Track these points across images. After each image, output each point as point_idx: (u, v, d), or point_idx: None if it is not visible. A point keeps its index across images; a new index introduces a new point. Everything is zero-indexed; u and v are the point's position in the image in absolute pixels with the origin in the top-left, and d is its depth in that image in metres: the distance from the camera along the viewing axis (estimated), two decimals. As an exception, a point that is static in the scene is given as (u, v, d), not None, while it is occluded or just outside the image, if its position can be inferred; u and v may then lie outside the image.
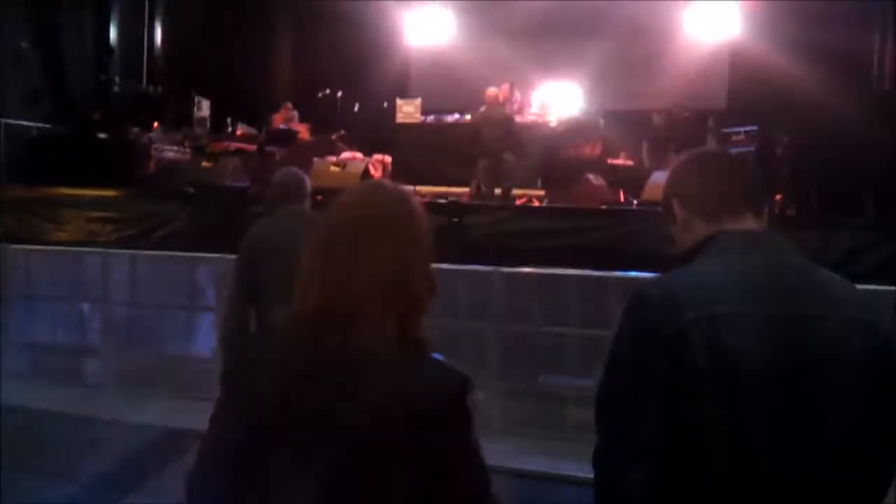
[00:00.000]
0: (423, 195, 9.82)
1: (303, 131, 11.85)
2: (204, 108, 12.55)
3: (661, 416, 1.42)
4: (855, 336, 1.47)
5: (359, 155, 10.87)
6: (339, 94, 12.53)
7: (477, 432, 1.45)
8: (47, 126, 12.27)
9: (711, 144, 10.15)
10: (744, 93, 11.85)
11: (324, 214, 1.54)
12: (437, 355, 1.46)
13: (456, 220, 7.64)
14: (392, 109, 12.05)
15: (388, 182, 1.62)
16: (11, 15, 11.80)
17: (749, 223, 1.59)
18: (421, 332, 1.46)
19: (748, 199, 1.64)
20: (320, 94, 12.56)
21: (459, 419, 1.41)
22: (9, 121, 11.55)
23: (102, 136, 11.68)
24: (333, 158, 10.63)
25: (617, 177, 10.23)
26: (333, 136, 11.60)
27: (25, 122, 11.88)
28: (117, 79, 13.80)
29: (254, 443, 1.41)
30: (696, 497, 1.44)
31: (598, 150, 10.72)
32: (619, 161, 10.76)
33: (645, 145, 10.97)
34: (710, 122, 10.88)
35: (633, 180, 10.04)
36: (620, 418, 1.48)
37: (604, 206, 8.69)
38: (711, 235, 1.58)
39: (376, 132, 12.04)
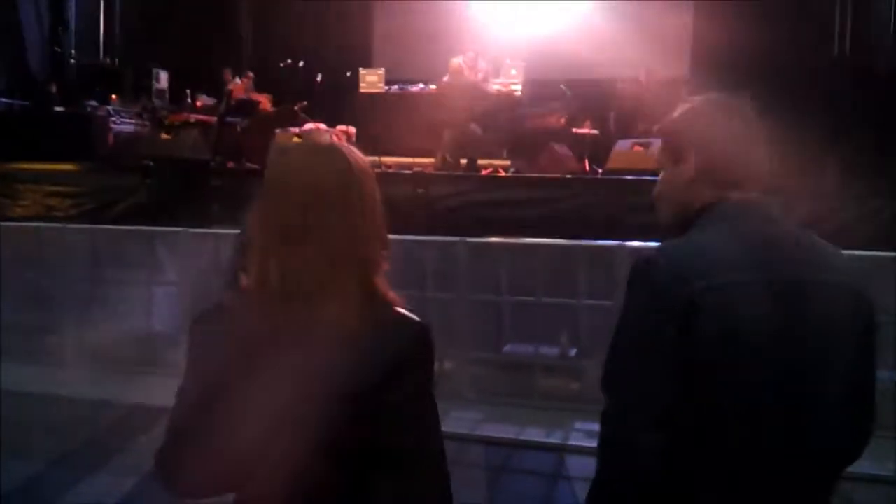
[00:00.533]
0: (389, 166, 9.78)
1: (264, 102, 11.70)
2: (162, 79, 12.34)
3: (672, 383, 1.44)
4: (844, 301, 1.52)
5: (322, 126, 10.70)
6: (301, 64, 12.36)
7: (437, 385, 1.50)
8: (2, 100, 12.01)
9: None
10: (706, 60, 11.87)
11: (267, 182, 1.50)
12: (399, 309, 1.48)
13: (422, 190, 7.61)
14: (355, 79, 11.93)
15: (325, 143, 1.59)
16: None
17: (750, 193, 1.59)
18: (381, 289, 1.47)
19: (761, 166, 1.62)
20: (282, 65, 12.38)
21: (419, 366, 1.45)
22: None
23: (59, 109, 11.46)
24: (296, 130, 10.48)
25: (582, 146, 10.24)
26: (296, 107, 11.45)
27: (-20, 97, 11.64)
28: (73, 51, 13.52)
29: (224, 417, 1.40)
30: (706, 462, 1.47)
31: (563, 120, 10.71)
32: (584, 130, 10.75)
33: (612, 114, 10.97)
34: (685, 91, 10.84)
35: (598, 149, 10.06)
36: (632, 386, 1.48)
37: (569, 176, 8.69)
38: (712, 203, 1.58)
39: (340, 102, 11.91)
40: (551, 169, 8.98)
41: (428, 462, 1.46)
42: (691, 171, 1.61)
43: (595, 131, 10.83)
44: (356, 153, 1.53)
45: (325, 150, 1.53)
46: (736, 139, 1.61)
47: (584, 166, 9.73)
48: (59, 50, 13.31)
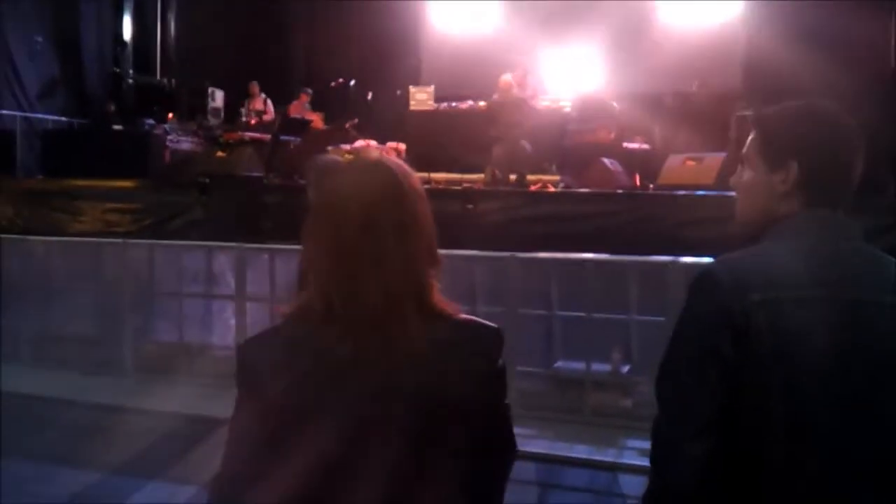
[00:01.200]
0: (438, 182, 9.83)
1: (316, 120, 11.87)
2: (218, 98, 12.57)
3: (722, 393, 1.44)
4: None
5: (373, 143, 10.86)
6: (352, 82, 12.51)
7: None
8: (63, 119, 12.36)
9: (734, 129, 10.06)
10: (758, 74, 11.72)
11: (318, 202, 1.48)
12: (465, 316, 1.49)
13: (471, 206, 7.64)
14: (405, 97, 12.03)
15: (374, 160, 1.54)
16: (26, 9, 11.88)
17: (834, 208, 1.55)
18: (441, 304, 1.46)
19: (854, 182, 1.56)
20: (333, 84, 12.54)
21: (500, 372, 1.50)
22: (25, 114, 11.65)
23: (117, 127, 11.75)
24: (347, 147, 10.64)
25: (632, 161, 10.17)
26: (347, 125, 11.60)
27: (41, 115, 11.98)
28: (131, 71, 13.88)
29: (291, 449, 1.38)
30: (752, 474, 1.46)
31: (612, 135, 10.64)
32: (635, 145, 10.67)
33: (660, 128, 10.89)
34: (739, 105, 10.66)
35: (649, 164, 9.97)
36: (683, 394, 1.49)
37: (619, 191, 8.64)
38: (786, 216, 1.55)
39: (390, 120, 12.02)
40: (601, 184, 8.92)
41: (512, 452, 1.61)
42: (789, 184, 1.55)
43: (646, 146, 10.74)
44: (406, 169, 1.49)
45: (375, 168, 1.48)
46: (838, 155, 1.55)
47: (635, 181, 9.67)
48: (118, 70, 13.68)
